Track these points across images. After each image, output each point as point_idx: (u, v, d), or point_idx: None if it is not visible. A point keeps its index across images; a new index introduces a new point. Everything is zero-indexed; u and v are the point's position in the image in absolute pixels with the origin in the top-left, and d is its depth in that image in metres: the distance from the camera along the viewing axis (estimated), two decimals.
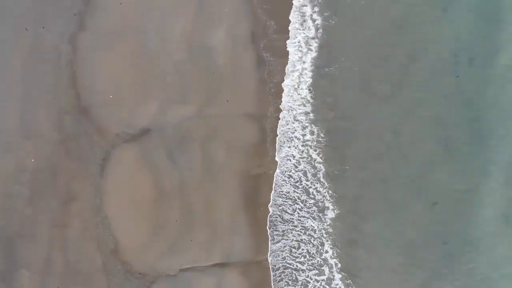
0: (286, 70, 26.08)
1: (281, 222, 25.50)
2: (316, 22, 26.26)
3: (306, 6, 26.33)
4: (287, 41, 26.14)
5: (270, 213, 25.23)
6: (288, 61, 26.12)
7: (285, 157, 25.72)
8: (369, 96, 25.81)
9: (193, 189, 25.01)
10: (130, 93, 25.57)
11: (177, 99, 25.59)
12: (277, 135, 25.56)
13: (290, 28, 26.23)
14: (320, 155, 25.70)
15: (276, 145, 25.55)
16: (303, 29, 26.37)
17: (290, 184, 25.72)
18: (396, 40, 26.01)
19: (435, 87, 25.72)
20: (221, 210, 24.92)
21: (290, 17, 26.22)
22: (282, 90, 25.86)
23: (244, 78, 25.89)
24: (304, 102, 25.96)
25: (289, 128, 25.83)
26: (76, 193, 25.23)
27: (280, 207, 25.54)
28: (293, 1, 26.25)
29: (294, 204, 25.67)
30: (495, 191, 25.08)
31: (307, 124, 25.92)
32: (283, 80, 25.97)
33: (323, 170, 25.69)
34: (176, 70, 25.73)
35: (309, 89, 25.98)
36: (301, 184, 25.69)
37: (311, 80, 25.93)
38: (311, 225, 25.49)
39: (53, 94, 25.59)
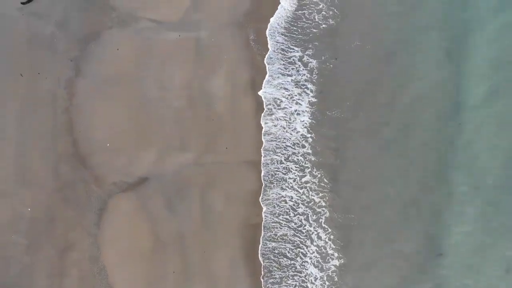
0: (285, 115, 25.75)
1: (277, 269, 25.07)
2: (311, 65, 25.93)
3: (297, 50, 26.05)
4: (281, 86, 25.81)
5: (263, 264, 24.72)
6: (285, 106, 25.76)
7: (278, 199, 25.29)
8: (375, 140, 25.51)
9: (191, 239, 24.63)
10: (128, 140, 25.16)
11: (175, 146, 25.18)
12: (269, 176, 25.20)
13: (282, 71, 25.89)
14: (323, 200, 25.25)
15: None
16: (297, 74, 26.01)
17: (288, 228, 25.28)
18: (398, 82, 25.77)
19: (439, 132, 25.37)
20: (220, 260, 24.55)
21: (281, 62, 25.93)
22: None
23: (244, 124, 25.50)
24: (303, 143, 25.57)
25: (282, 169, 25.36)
26: (73, 243, 24.83)
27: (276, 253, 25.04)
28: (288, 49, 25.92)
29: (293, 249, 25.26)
30: None
31: (307, 165, 25.48)
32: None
33: (327, 215, 25.21)
34: (175, 117, 25.32)
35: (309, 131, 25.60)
36: (301, 228, 25.27)
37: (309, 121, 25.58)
38: (312, 273, 25.11)
39: (50, 141, 25.16)
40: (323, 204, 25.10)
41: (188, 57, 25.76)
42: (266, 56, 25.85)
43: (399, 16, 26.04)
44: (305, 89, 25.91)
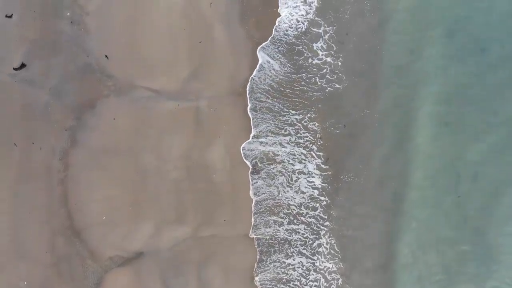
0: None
1: None
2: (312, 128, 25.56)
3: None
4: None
5: None
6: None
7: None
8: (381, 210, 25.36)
9: None
10: (124, 214, 24.72)
11: (172, 219, 24.76)
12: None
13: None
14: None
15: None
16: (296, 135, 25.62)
17: None
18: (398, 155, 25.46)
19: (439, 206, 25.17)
20: None
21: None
22: None
23: (243, 196, 25.10)
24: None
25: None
26: None
27: None
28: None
29: None
30: None
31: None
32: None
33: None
34: (172, 189, 24.87)
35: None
36: None
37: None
38: None
39: (45, 213, 24.64)
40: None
41: (186, 127, 25.23)
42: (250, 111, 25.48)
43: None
44: (310, 151, 25.54)
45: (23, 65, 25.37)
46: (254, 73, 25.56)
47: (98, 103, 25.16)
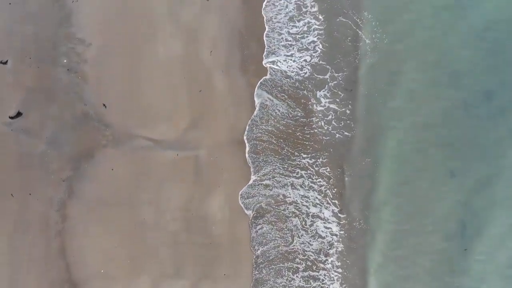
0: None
1: None
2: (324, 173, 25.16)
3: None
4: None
5: None
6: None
7: None
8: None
9: None
10: (122, 267, 24.36)
11: (170, 273, 24.41)
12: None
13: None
14: None
15: None
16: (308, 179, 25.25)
17: None
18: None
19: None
20: None
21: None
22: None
23: (243, 249, 24.76)
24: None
25: None
26: None
27: None
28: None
29: None
30: None
31: None
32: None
33: None
34: (171, 242, 24.51)
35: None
36: None
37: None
38: None
39: (42, 265, 24.30)
40: None
41: (185, 177, 24.83)
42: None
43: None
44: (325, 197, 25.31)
45: (19, 114, 24.89)
46: (255, 112, 25.24)
47: (95, 153, 24.72)
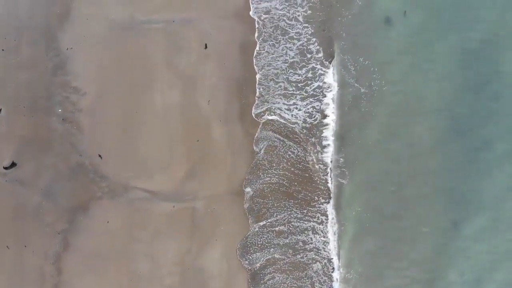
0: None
1: None
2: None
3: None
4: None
5: None
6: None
7: None
8: None
9: None
10: None
11: None
12: None
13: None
14: None
15: None
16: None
17: None
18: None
19: None
20: None
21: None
22: None
23: None
24: None
25: None
26: None
27: None
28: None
29: None
30: None
31: None
32: None
33: None
34: None
35: None
36: None
37: None
38: None
39: None
40: None
41: (182, 229, 24.48)
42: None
43: None
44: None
45: (13, 164, 24.50)
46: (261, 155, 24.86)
47: (91, 205, 24.36)
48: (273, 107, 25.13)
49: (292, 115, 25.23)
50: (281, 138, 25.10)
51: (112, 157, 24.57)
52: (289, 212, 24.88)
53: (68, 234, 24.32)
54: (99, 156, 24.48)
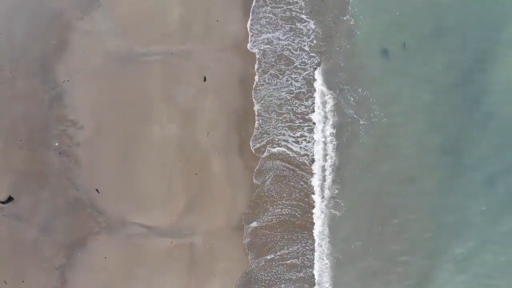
0: None
1: None
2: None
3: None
4: None
5: None
6: None
7: None
8: None
9: None
10: None
11: None
12: None
13: None
14: None
15: None
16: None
17: None
18: None
19: None
20: None
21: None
22: None
23: None
24: None
25: None
26: None
27: None
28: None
29: None
30: None
31: None
32: None
33: None
34: None
35: None
36: None
37: None
38: None
39: None
40: None
41: (180, 265, 24.23)
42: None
43: None
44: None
45: (10, 199, 24.23)
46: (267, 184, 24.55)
47: (88, 240, 24.10)
48: (276, 139, 24.83)
49: (300, 147, 24.95)
50: (290, 167, 24.80)
51: (109, 191, 24.28)
52: (291, 247, 24.67)
53: (65, 270, 24.09)
54: (97, 190, 24.19)
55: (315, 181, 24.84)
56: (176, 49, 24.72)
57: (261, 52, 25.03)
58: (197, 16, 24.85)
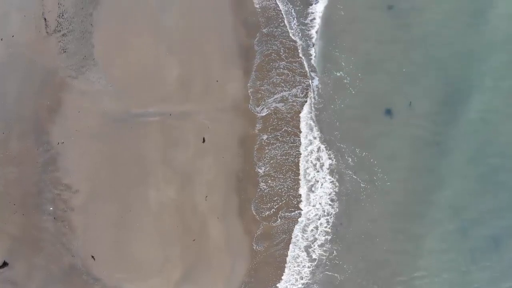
0: None
1: None
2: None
3: None
4: None
5: None
6: None
7: None
8: None
9: None
10: None
11: None
12: None
13: None
14: None
15: None
16: None
17: None
18: None
19: None
20: None
21: None
22: None
23: None
24: None
25: None
26: None
27: None
28: None
29: None
30: None
31: None
32: None
33: None
34: None
35: None
36: None
37: None
38: None
39: None
40: None
41: None
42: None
43: None
44: None
45: (4, 264, 23.63)
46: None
47: None
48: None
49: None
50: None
51: (105, 258, 23.58)
52: None
53: None
54: (92, 257, 23.54)
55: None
56: (174, 109, 23.92)
57: (262, 112, 24.29)
58: (196, 76, 24.03)
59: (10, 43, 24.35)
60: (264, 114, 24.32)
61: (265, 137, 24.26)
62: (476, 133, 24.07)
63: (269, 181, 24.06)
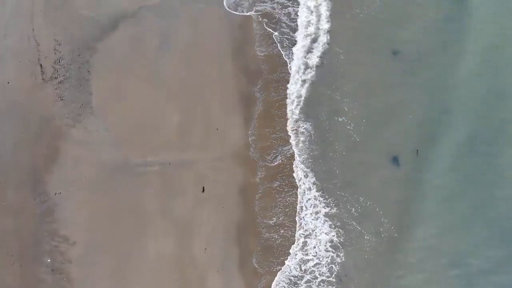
0: None
1: None
2: None
3: None
4: None
5: None
6: None
7: None
8: None
9: None
10: None
11: None
12: None
13: None
14: None
15: None
16: None
17: None
18: None
19: None
20: None
21: None
22: None
23: None
24: None
25: None
26: None
27: None
28: None
29: None
30: None
31: None
32: None
33: None
34: None
35: None
36: None
37: None
38: None
39: None
40: None
41: None
42: None
43: None
44: None
45: None
46: None
47: None
48: None
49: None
50: None
51: None
52: None
53: None
54: None
55: None
56: (174, 158, 23.35)
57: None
58: (196, 125, 23.45)
59: (5, 90, 23.88)
60: (268, 163, 23.78)
61: (268, 185, 23.67)
62: (485, 181, 23.39)
63: (272, 232, 23.51)
